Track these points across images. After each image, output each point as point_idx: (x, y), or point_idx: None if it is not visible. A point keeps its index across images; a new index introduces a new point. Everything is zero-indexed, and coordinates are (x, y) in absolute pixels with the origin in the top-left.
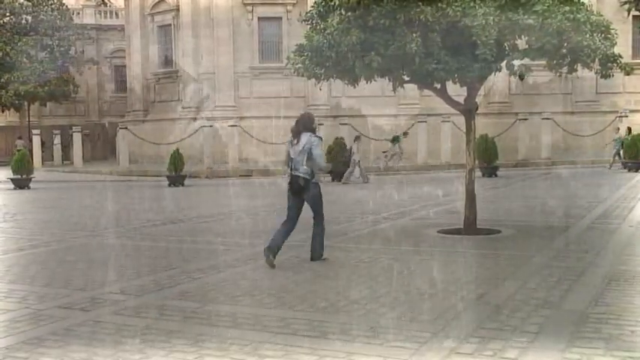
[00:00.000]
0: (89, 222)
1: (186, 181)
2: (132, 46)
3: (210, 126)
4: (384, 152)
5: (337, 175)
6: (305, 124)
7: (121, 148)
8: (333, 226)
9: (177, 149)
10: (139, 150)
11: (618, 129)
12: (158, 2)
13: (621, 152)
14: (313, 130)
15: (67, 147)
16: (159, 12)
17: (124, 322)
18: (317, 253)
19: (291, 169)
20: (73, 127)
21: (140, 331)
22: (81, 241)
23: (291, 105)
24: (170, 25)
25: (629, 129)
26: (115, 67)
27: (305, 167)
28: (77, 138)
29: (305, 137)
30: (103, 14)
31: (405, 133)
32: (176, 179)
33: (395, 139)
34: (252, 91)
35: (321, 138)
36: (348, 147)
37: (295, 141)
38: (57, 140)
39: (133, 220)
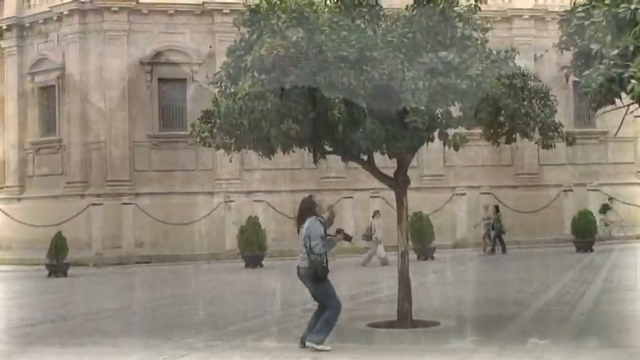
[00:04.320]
0: None
1: (70, 271)
2: (7, 110)
3: (101, 204)
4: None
5: (250, 260)
6: (304, 209)
7: None
8: (250, 321)
9: (60, 232)
10: (13, 234)
11: (487, 207)
12: (40, 60)
13: (492, 234)
14: (315, 213)
15: None
16: (41, 71)
17: None
18: (312, 336)
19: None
20: None
21: None
22: None
23: (196, 178)
24: (54, 86)
25: (497, 207)
26: None
27: (306, 255)
28: None
29: (307, 222)
30: None
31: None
32: (57, 268)
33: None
34: (151, 163)
35: (322, 220)
36: (368, 224)
37: (301, 227)
38: None
39: (2, 320)
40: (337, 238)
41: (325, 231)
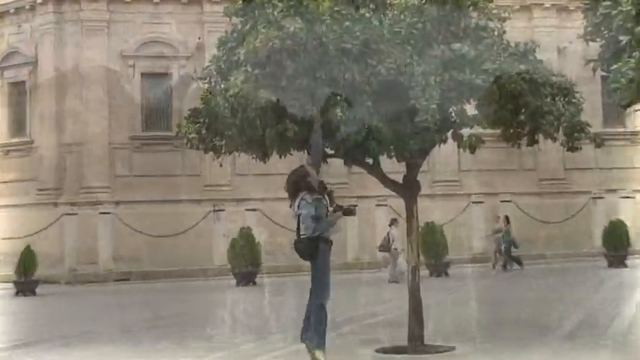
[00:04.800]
0: None
1: (39, 289)
2: None
3: (75, 214)
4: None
5: (242, 277)
6: (295, 182)
7: None
8: (243, 345)
9: (29, 246)
10: None
11: (498, 217)
12: (10, 53)
13: (502, 248)
14: (308, 188)
15: None
16: (11, 65)
17: None
18: (312, 340)
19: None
20: None
21: None
22: None
23: (183, 185)
24: (25, 82)
25: (507, 218)
26: None
27: (303, 233)
28: None
29: (298, 199)
30: None
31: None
32: (25, 286)
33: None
34: (133, 168)
35: (316, 198)
36: (385, 234)
37: (292, 205)
38: None
39: None
40: (336, 215)
41: (326, 208)
